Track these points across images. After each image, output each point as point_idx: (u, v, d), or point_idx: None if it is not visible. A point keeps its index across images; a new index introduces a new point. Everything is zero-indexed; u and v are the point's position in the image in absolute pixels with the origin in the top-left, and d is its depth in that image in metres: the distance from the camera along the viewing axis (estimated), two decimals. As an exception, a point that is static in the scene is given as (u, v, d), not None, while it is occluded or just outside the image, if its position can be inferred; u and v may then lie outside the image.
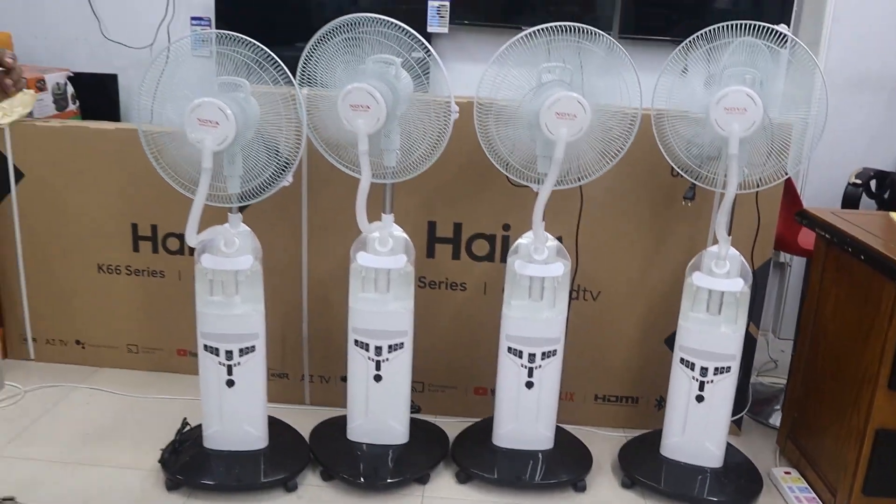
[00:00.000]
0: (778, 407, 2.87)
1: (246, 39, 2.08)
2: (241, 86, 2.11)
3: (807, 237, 2.74)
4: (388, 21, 2.13)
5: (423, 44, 2.14)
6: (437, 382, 2.78)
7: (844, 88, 3.42)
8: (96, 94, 3.70)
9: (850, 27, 3.37)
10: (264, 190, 2.17)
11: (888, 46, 3.38)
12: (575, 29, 2.12)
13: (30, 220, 2.90)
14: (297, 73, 2.17)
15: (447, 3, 3.59)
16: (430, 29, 3.62)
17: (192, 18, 3.82)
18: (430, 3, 3.60)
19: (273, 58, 2.08)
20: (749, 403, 2.79)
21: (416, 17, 3.60)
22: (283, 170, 2.17)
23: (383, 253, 2.27)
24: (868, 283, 2.18)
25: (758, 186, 2.24)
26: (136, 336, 3.01)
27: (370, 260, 2.26)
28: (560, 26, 2.12)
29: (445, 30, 3.63)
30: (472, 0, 3.62)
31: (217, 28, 3.71)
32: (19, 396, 2.80)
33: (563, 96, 2.03)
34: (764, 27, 2.15)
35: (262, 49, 2.08)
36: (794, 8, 3.57)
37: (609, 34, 3.54)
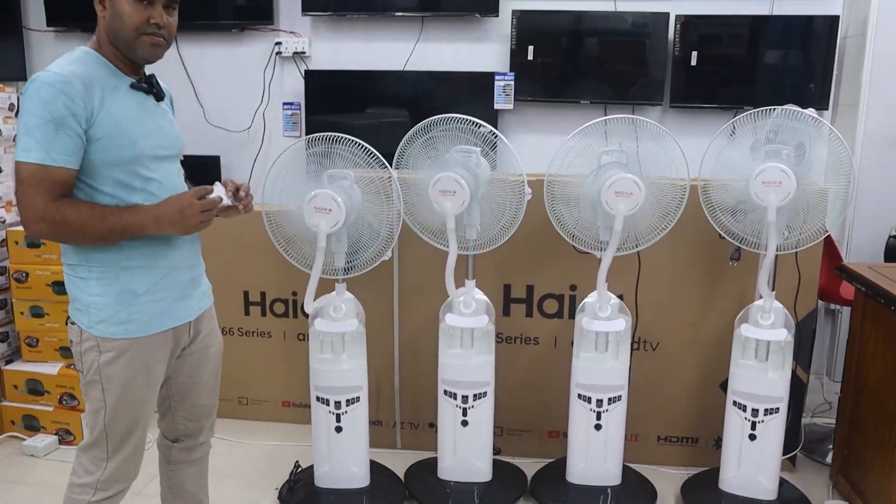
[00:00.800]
0: (831, 446, 3.11)
1: (350, 139, 2.48)
2: (347, 176, 2.51)
3: (848, 288, 3.01)
4: (466, 119, 2.52)
5: (493, 133, 2.53)
6: (515, 427, 3.11)
7: (884, 146, 3.67)
8: (201, 174, 4.16)
9: (886, 90, 3.63)
10: (367, 263, 2.56)
11: (922, 108, 3.64)
12: (628, 120, 2.48)
13: (156, 289, 3.35)
14: (394, 162, 2.57)
15: (512, 82, 3.99)
16: (496, 106, 4.01)
17: (284, 104, 4.29)
18: (496, 83, 4.00)
19: (373, 152, 2.47)
20: (801, 442, 3.04)
21: (484, 94, 4.01)
22: (382, 245, 2.56)
23: (468, 314, 2.63)
24: (900, 331, 2.45)
25: (796, 247, 2.54)
26: (246, 389, 3.41)
27: (457, 321, 2.62)
28: (616, 118, 2.49)
29: (511, 106, 4.02)
30: (533, 78, 4.01)
31: (305, 107, 4.19)
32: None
33: (620, 177, 2.38)
34: (795, 111, 2.45)
35: (364, 145, 2.47)
36: (835, 71, 3.86)
37: (660, 102, 3.91)
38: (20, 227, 3.23)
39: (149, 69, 2.00)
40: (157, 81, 1.99)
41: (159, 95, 1.98)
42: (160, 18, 1.85)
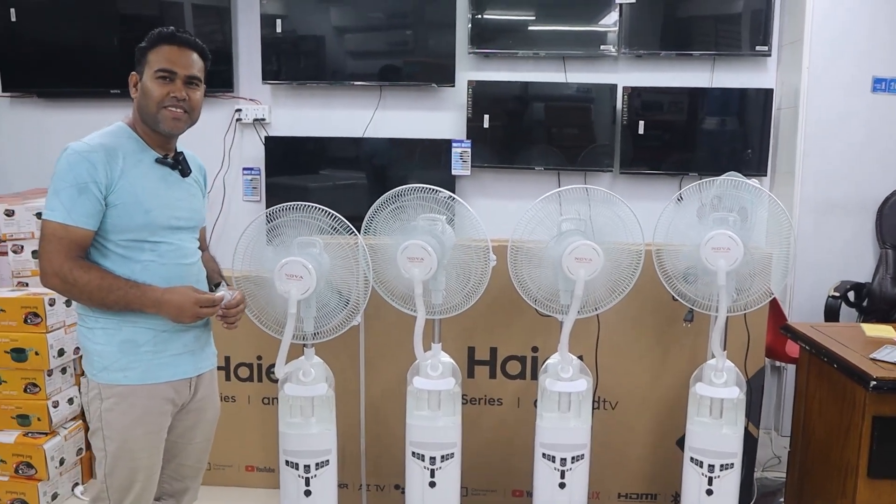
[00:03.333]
0: (782, 499, 3.22)
1: (319, 207, 2.55)
2: (315, 243, 2.58)
3: (793, 347, 3.16)
4: (429, 188, 2.63)
5: (452, 200, 2.64)
6: (480, 487, 3.16)
7: (820, 211, 3.90)
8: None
9: (819, 158, 3.87)
10: (336, 329, 2.62)
11: (853, 174, 3.87)
12: (582, 190, 2.62)
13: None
14: (362, 229, 2.65)
15: (468, 149, 4.13)
16: (454, 172, 4.14)
17: (244, 169, 4.36)
18: (453, 150, 4.14)
19: (340, 219, 2.55)
20: (755, 496, 3.15)
21: (442, 160, 4.15)
22: (351, 311, 2.62)
23: (435, 377, 2.69)
24: (843, 386, 2.59)
25: (745, 309, 2.68)
26: (209, 454, 3.39)
27: (425, 383, 2.68)
28: (572, 188, 2.62)
29: (468, 172, 4.16)
30: (489, 145, 4.16)
31: (266, 172, 4.26)
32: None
33: (580, 244, 2.50)
34: (737, 181, 2.61)
35: (332, 213, 2.55)
36: (772, 140, 4.09)
37: (611, 169, 4.08)
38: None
39: (184, 148, 2.19)
40: (184, 158, 2.14)
41: (184, 171, 2.12)
42: (179, 92, 2.02)
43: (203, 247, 2.37)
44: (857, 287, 3.75)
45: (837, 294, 3.62)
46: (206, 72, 2.15)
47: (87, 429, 3.39)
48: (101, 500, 2.08)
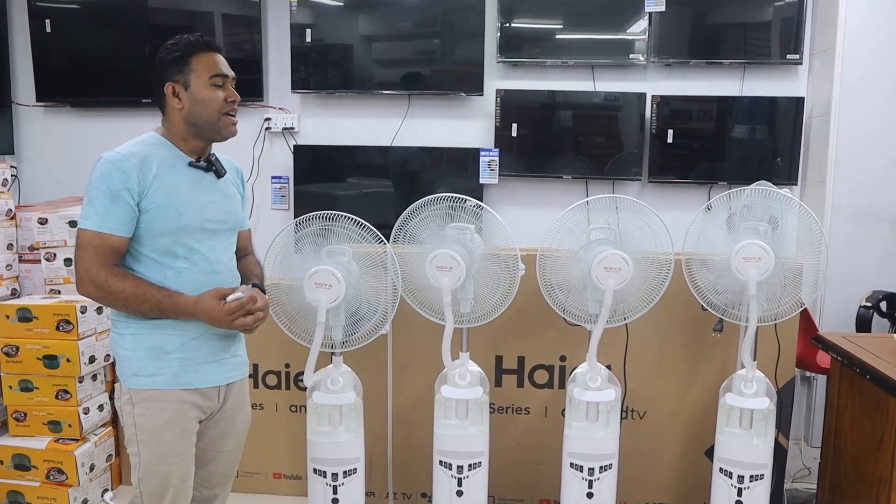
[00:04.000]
0: (813, 511, 3.19)
1: (347, 216, 2.57)
2: (344, 252, 2.59)
3: (824, 357, 3.12)
4: (458, 197, 2.64)
5: (481, 209, 2.65)
6: (507, 496, 3.16)
7: (851, 220, 3.84)
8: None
9: (851, 166, 3.82)
10: (365, 337, 2.63)
11: (885, 183, 3.82)
12: (611, 199, 2.61)
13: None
14: (391, 238, 2.66)
15: (496, 158, 4.13)
16: (481, 180, 4.14)
17: (273, 177, 4.39)
18: (481, 158, 4.14)
19: (370, 228, 2.57)
20: (785, 508, 3.12)
21: (470, 168, 4.15)
22: (379, 319, 2.63)
23: (462, 386, 2.70)
24: (876, 398, 2.56)
25: (775, 319, 2.66)
26: (237, 461, 3.42)
27: (453, 392, 2.69)
28: (599, 198, 2.62)
29: (495, 181, 4.15)
30: (517, 154, 4.15)
31: (294, 181, 4.29)
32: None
33: (610, 254, 2.50)
34: (767, 190, 2.59)
35: (362, 222, 2.57)
36: (802, 148, 4.05)
37: (639, 178, 4.05)
38: (9, 302, 3.27)
39: (219, 150, 2.19)
40: (216, 160, 2.15)
41: (219, 172, 2.13)
42: (233, 95, 2.06)
43: (248, 250, 2.37)
44: (890, 297, 3.69)
45: (869, 304, 3.57)
46: None
47: (117, 435, 3.45)
48: None
